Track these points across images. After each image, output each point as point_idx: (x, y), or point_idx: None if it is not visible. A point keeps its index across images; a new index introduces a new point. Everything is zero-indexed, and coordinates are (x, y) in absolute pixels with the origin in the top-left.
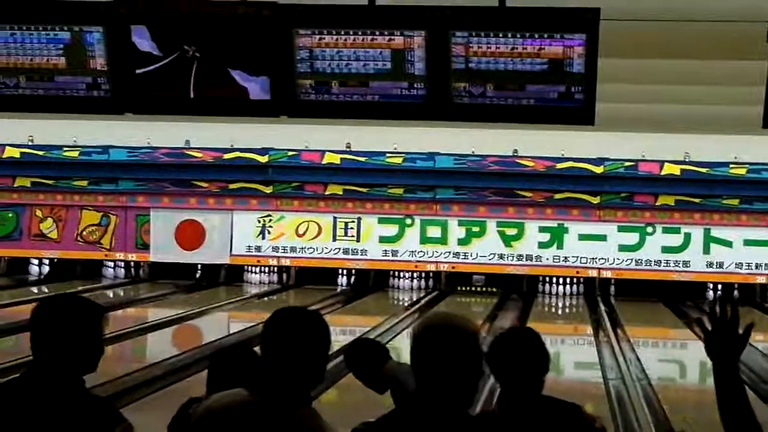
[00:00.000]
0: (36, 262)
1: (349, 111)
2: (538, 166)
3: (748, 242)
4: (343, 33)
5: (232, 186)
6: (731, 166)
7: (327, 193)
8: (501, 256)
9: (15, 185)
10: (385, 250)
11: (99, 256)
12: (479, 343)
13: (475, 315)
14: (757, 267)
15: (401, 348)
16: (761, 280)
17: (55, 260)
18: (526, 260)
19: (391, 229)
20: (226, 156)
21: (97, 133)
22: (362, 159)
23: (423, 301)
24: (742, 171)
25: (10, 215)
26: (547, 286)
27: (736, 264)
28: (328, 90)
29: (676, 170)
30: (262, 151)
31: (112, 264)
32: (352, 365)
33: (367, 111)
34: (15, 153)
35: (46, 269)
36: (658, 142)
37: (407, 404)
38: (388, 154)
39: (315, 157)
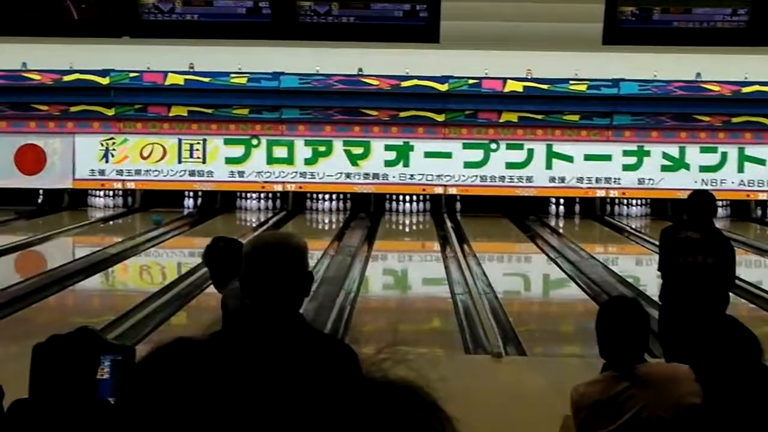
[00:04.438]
0: None
1: (192, 31)
2: (383, 85)
3: (588, 157)
4: None
5: (73, 109)
6: (571, 82)
7: (171, 114)
8: (348, 175)
9: None
10: (232, 171)
11: None
12: (305, 258)
13: (323, 234)
14: (597, 181)
15: None
16: (600, 193)
17: None
18: (373, 179)
19: (237, 150)
20: (66, 78)
21: None
22: (206, 80)
23: (271, 222)
24: (582, 87)
25: None
26: (395, 203)
27: (577, 179)
28: (172, 10)
29: (518, 87)
30: (103, 73)
31: None
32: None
33: (210, 31)
34: None
35: None
36: (500, 59)
37: (237, 321)
38: (232, 75)
39: (158, 78)
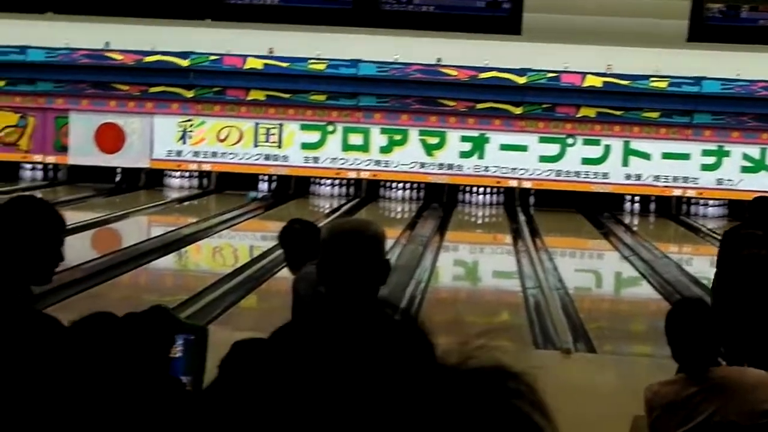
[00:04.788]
0: None
1: (273, 15)
2: (462, 76)
3: (666, 155)
4: None
5: (152, 89)
6: (652, 79)
7: (249, 98)
8: (422, 165)
9: None
10: (307, 157)
11: (16, 157)
12: (382, 246)
13: (395, 223)
14: (674, 180)
15: None
16: (677, 192)
17: None
18: (447, 169)
19: (313, 136)
20: (147, 59)
21: (13, 32)
22: (285, 65)
23: (344, 208)
24: (663, 84)
25: None
26: (468, 195)
27: (654, 177)
28: None
29: (597, 82)
30: (184, 55)
31: (30, 166)
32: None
33: (291, 16)
34: None
35: None
36: (580, 53)
37: (310, 308)
38: (311, 61)
39: (237, 61)
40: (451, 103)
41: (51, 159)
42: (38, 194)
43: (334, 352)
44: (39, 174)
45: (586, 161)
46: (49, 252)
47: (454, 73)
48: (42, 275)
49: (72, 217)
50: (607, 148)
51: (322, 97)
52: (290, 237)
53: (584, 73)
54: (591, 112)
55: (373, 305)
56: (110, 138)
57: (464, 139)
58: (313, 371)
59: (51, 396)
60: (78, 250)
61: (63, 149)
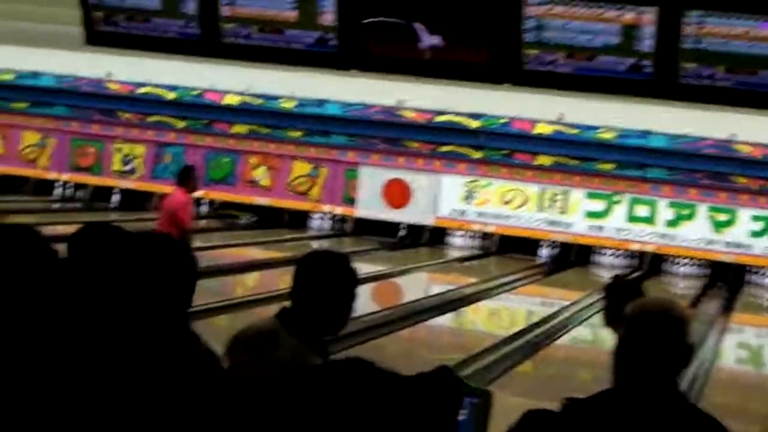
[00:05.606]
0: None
1: (573, 84)
2: (756, 153)
3: None
4: (572, 4)
5: (442, 148)
6: None
7: (536, 163)
8: (709, 242)
9: (232, 131)
10: (591, 225)
11: (307, 206)
12: (688, 328)
13: (678, 299)
14: None
15: (598, 324)
16: None
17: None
18: (735, 248)
19: (599, 205)
20: (438, 118)
21: (317, 87)
22: (574, 131)
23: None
24: None
25: (226, 160)
26: (755, 276)
27: None
28: (554, 61)
29: None
30: (475, 116)
31: (318, 215)
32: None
33: (591, 85)
34: (234, 100)
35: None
36: None
37: (615, 388)
38: (600, 129)
39: (527, 126)
40: (743, 180)
41: (339, 210)
42: (325, 244)
43: None
44: (327, 224)
45: None
46: (347, 306)
47: (748, 149)
48: (336, 327)
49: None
50: None
51: (609, 166)
52: (616, 291)
53: None
54: None
55: (674, 392)
56: (397, 193)
57: (756, 218)
58: None
59: None
60: (360, 301)
61: (351, 201)
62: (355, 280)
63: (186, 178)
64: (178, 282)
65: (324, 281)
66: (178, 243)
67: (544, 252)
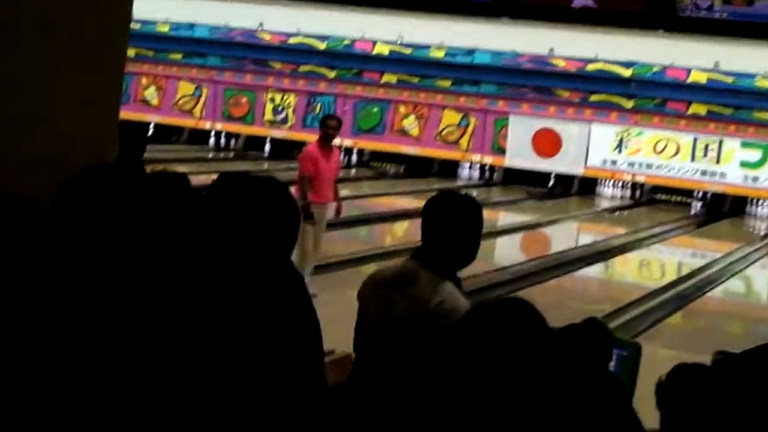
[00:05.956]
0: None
1: (729, 30)
2: None
3: None
4: None
5: (593, 98)
6: None
7: (689, 112)
8: None
9: (382, 81)
10: (746, 176)
11: (457, 156)
12: None
13: None
14: None
15: (752, 277)
16: None
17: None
18: None
19: (754, 154)
20: (589, 67)
21: (467, 35)
22: (729, 79)
23: None
24: None
25: (375, 110)
26: None
27: None
28: (710, 7)
29: None
30: (626, 64)
31: (467, 165)
32: None
33: (748, 31)
34: (384, 50)
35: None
36: None
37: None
38: (757, 76)
39: (681, 74)
40: None
41: (488, 160)
42: (474, 193)
43: None
44: (476, 174)
45: None
46: (474, 239)
47: None
48: (466, 259)
49: (504, 218)
50: None
51: (766, 115)
52: None
53: None
54: None
55: None
56: (547, 143)
57: None
58: None
59: None
60: (507, 252)
61: (500, 151)
62: (480, 216)
63: (321, 127)
64: (280, 226)
65: (451, 218)
66: (279, 187)
67: (696, 203)
